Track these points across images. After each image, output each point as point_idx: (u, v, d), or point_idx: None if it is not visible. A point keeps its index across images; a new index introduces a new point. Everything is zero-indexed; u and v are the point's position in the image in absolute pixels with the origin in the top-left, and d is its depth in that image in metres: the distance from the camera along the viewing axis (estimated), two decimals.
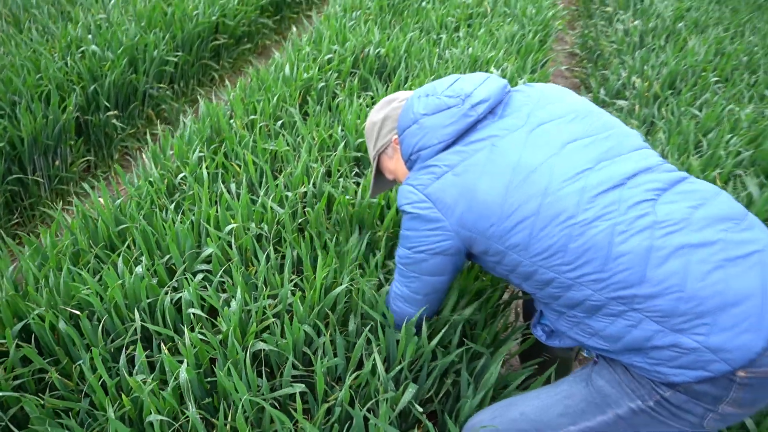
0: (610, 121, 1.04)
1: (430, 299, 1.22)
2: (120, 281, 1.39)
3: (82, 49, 2.60)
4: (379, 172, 1.35)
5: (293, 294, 1.44)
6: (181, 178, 1.88)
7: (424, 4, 3.44)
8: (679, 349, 0.85)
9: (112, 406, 1.16)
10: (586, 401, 0.99)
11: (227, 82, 2.58)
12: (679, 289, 0.84)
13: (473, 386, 1.32)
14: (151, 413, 1.14)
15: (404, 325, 1.25)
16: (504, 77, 2.56)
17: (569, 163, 0.95)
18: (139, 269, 1.44)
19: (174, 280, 1.46)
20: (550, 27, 3.44)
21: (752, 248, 0.86)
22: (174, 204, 1.75)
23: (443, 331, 1.31)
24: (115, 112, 2.61)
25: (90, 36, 2.68)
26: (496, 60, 2.71)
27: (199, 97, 2.98)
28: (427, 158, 1.08)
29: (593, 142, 0.98)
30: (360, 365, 1.36)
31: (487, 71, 2.65)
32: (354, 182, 1.90)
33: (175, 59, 2.88)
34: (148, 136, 2.12)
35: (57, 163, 2.34)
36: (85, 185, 1.81)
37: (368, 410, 1.24)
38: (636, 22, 3.57)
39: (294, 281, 1.48)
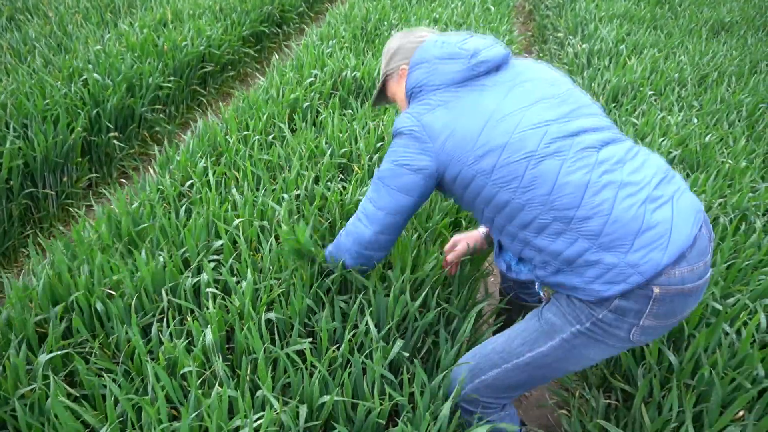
0: (581, 94, 1.29)
1: (387, 224, 1.36)
2: (147, 266, 1.62)
3: (84, 77, 2.84)
4: (382, 91, 1.56)
5: (296, 274, 1.70)
6: (188, 186, 2.12)
7: (393, 32, 3.79)
8: (604, 265, 1.10)
9: (150, 363, 1.39)
10: (538, 331, 1.26)
11: (213, 106, 2.85)
12: (607, 213, 1.09)
13: (450, 342, 1.58)
14: (184, 367, 1.37)
15: (336, 262, 1.49)
16: None
17: (536, 115, 1.19)
18: (161, 258, 1.67)
19: (192, 266, 1.70)
20: None
21: (671, 191, 1.13)
22: (183, 207, 1.99)
23: (424, 293, 1.58)
24: (116, 133, 2.84)
25: (90, 65, 2.92)
26: None
27: (189, 120, 3.23)
28: (426, 94, 1.28)
29: (560, 103, 1.22)
30: (356, 329, 1.61)
31: None
32: (341, 186, 2.18)
33: (169, 85, 3.14)
34: (155, 152, 2.36)
35: (65, 179, 2.56)
36: (95, 197, 2.03)
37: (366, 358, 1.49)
38: (584, 46, 3.99)
39: (294, 267, 1.73)
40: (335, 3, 5.65)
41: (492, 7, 4.52)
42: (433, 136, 1.24)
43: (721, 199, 2.23)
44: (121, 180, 2.97)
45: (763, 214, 2.21)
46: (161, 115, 3.22)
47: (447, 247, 1.69)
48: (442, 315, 1.65)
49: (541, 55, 4.73)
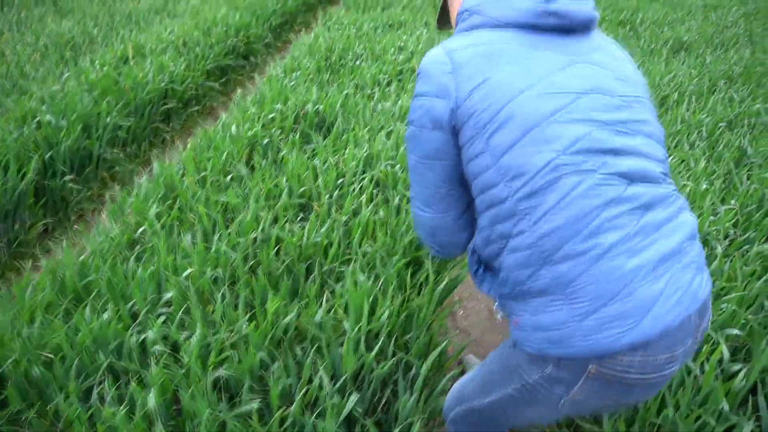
0: (650, 108, 1.02)
1: (441, 195, 1.07)
2: (89, 326, 1.54)
3: (38, 119, 2.77)
4: (444, 8, 1.26)
5: (248, 326, 1.63)
6: (141, 233, 2.05)
7: (358, 62, 3.79)
8: (557, 317, 0.90)
9: None
10: (500, 374, 1.11)
11: (178, 142, 2.80)
12: (592, 263, 0.87)
13: (409, 391, 1.53)
14: None
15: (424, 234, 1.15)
16: None
17: (586, 109, 0.92)
18: (105, 315, 1.60)
19: (138, 322, 1.63)
20: None
21: (678, 265, 0.89)
22: (134, 256, 1.92)
23: (381, 341, 1.53)
24: (72, 176, 2.76)
25: (44, 106, 2.85)
26: None
27: (152, 158, 3.17)
28: (475, 26, 1.02)
29: (619, 107, 0.95)
30: (311, 382, 1.55)
31: None
32: (299, 226, 2.13)
33: (128, 123, 3.08)
34: (107, 197, 2.29)
35: (17, 227, 2.47)
36: (50, 243, 1.96)
37: (317, 417, 1.42)
38: None
39: (249, 316, 1.67)
40: (301, 33, 5.66)
41: None
42: (461, 78, 0.96)
43: None
44: (76, 227, 2.88)
45: (724, 238, 2.21)
46: (121, 155, 3.15)
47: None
48: (400, 363, 1.60)
49: None
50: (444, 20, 1.28)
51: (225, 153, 2.51)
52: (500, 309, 1.07)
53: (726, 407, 1.50)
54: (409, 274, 1.83)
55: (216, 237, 1.96)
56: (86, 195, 2.92)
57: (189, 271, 1.77)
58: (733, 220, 2.27)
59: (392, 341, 1.58)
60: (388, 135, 2.82)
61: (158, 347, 1.53)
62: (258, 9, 5.01)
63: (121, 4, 5.47)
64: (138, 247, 2.01)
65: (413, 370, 1.59)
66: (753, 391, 1.59)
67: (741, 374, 1.55)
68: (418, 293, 1.87)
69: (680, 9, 5.86)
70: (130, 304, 1.71)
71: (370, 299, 1.67)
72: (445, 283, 1.90)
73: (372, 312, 1.67)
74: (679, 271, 0.90)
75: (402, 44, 4.15)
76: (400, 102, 3.10)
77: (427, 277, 1.88)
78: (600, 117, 0.92)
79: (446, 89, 0.97)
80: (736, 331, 1.71)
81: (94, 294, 1.75)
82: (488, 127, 0.93)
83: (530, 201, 0.90)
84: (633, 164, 0.92)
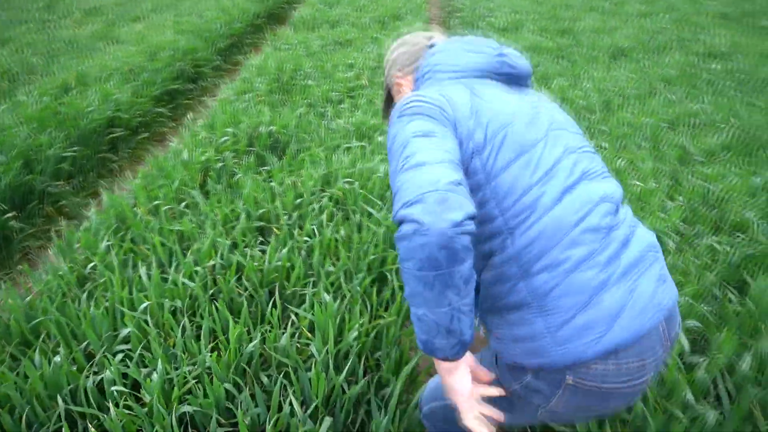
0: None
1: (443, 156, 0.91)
2: (39, 372, 1.45)
3: None
4: (390, 100, 1.35)
5: (211, 357, 1.57)
6: (91, 268, 1.96)
7: (309, 82, 3.78)
8: (533, 330, 0.93)
9: None
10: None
11: (127, 171, 2.70)
12: (566, 274, 0.92)
13: (383, 410, 1.50)
14: None
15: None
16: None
17: (562, 141, 1.02)
18: (57, 358, 1.51)
19: (93, 362, 1.54)
20: None
21: (640, 274, 0.94)
22: (86, 293, 1.83)
23: (350, 362, 1.50)
24: (13, 213, 2.62)
25: None
26: (380, 129, 3.05)
27: (100, 189, 3.05)
28: (443, 75, 1.10)
29: (576, 138, 1.07)
30: (281, 410, 1.50)
31: (370, 138, 2.98)
32: (259, 250, 2.08)
33: (73, 154, 2.96)
34: (53, 233, 2.18)
35: None
36: (4, 277, 1.84)
37: None
38: None
39: (211, 345, 1.61)
40: (251, 54, 5.62)
41: None
42: (456, 109, 1.00)
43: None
44: (20, 267, 2.73)
45: (675, 234, 2.29)
46: (67, 188, 3.02)
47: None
48: (371, 382, 1.57)
49: None
50: (390, 111, 1.28)
51: (177, 180, 2.43)
52: (481, 324, 1.09)
53: (690, 396, 1.54)
54: (374, 292, 1.81)
55: (173, 267, 1.89)
56: (30, 232, 2.78)
57: (146, 304, 1.70)
58: (683, 216, 2.36)
59: (362, 361, 1.55)
60: (345, 152, 2.81)
61: (117, 388, 1.45)
62: (205, 32, 4.94)
63: (61, 32, 5.29)
64: (89, 284, 1.92)
65: (386, 389, 1.56)
66: (714, 380, 1.64)
67: (703, 365, 1.60)
68: (385, 310, 1.85)
69: (617, 17, 6.13)
70: (84, 344, 1.62)
71: (337, 320, 1.64)
72: None
73: (339, 332, 1.64)
74: (643, 282, 0.94)
75: (352, 62, 4.17)
76: (353, 119, 3.11)
77: (393, 293, 1.87)
78: (569, 144, 1.03)
79: (442, 119, 0.98)
80: (694, 323, 1.76)
81: (43, 337, 1.66)
82: (485, 149, 0.97)
83: (517, 218, 0.95)
84: (599, 187, 1.00)
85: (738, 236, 2.27)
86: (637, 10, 6.57)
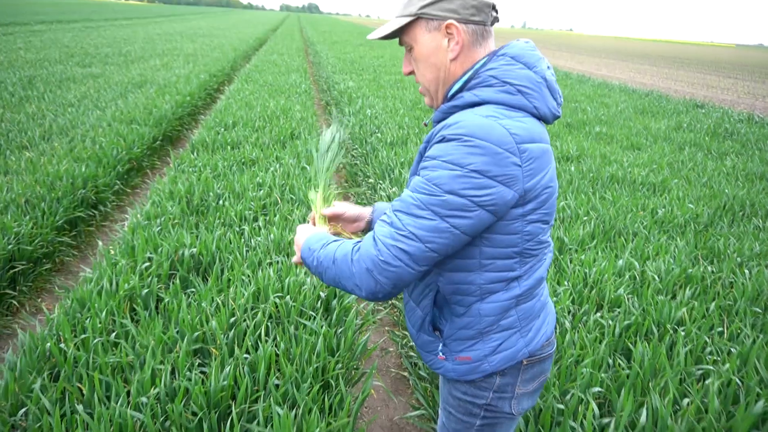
0: None
1: (420, 257, 1.00)
2: None
3: None
4: (397, 33, 1.14)
5: None
6: (22, 415, 1.87)
7: (221, 202, 3.93)
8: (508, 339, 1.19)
9: None
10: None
11: (28, 307, 2.59)
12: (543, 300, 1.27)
13: None
14: None
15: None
16: None
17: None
18: None
19: None
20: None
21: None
22: None
23: None
24: None
25: None
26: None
27: (10, 324, 2.87)
28: (516, 107, 1.05)
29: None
30: None
31: (288, 253, 3.17)
32: (201, 371, 2.11)
33: None
34: None
35: None
36: None
37: None
38: (393, 189, 4.57)
39: None
40: (152, 176, 5.66)
41: (308, 166, 4.97)
42: (527, 172, 1.00)
43: None
44: None
45: (567, 314, 2.68)
46: None
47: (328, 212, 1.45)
48: None
49: (357, 200, 5.25)
50: (386, 38, 1.18)
51: (104, 311, 2.41)
52: (444, 353, 1.24)
53: None
54: (324, 398, 1.92)
55: (119, 401, 1.86)
56: None
57: None
58: (571, 299, 2.78)
59: None
60: (268, 267, 2.95)
61: None
62: (103, 157, 4.95)
63: None
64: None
65: None
66: None
67: (611, 425, 1.89)
68: (335, 414, 1.96)
69: None
70: None
71: (294, 429, 1.73)
72: (357, 398, 2.02)
73: None
74: (551, 302, 1.36)
75: (260, 180, 4.40)
76: (272, 235, 3.29)
77: (341, 399, 1.99)
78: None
79: (515, 179, 0.99)
80: (598, 389, 2.08)
81: None
82: (538, 209, 1.07)
83: (531, 262, 1.16)
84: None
85: (616, 311, 2.71)
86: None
